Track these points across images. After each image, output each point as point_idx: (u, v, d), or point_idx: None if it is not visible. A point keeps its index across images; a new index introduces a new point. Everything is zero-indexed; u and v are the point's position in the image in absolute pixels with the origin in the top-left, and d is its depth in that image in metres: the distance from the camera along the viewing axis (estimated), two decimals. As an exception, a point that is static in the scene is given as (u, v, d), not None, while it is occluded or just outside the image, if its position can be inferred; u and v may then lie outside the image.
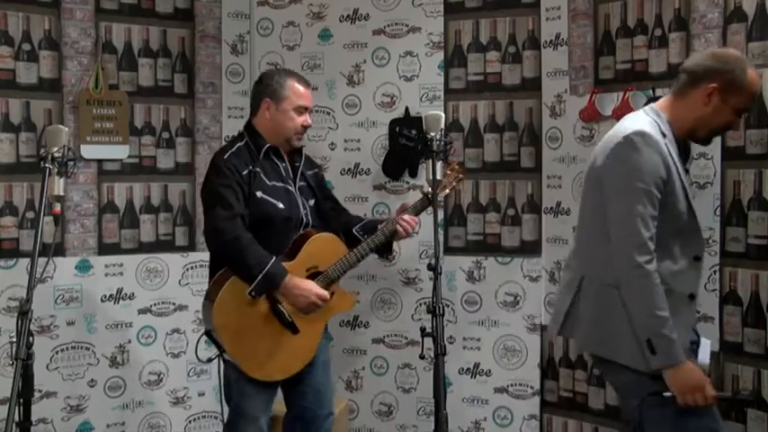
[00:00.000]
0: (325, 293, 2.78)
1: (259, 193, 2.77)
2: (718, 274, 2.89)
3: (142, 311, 3.60)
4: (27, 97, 3.35)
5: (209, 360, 2.83)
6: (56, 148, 2.43)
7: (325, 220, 2.97)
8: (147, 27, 3.59)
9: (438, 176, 2.43)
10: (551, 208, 3.43)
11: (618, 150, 2.24)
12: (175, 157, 3.67)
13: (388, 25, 3.65)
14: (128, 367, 3.57)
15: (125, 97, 3.53)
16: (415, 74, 3.62)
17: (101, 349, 3.51)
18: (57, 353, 3.42)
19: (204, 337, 2.81)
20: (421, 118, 2.65)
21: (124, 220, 3.57)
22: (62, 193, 2.45)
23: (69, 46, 3.42)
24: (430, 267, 2.28)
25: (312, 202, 2.93)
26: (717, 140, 2.86)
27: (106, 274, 3.52)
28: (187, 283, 3.69)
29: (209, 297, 2.77)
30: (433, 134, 2.45)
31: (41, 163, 2.42)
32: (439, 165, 2.43)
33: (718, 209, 2.87)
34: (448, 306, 3.50)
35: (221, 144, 3.74)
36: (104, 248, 3.52)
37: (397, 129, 3.55)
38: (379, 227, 2.95)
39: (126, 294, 3.56)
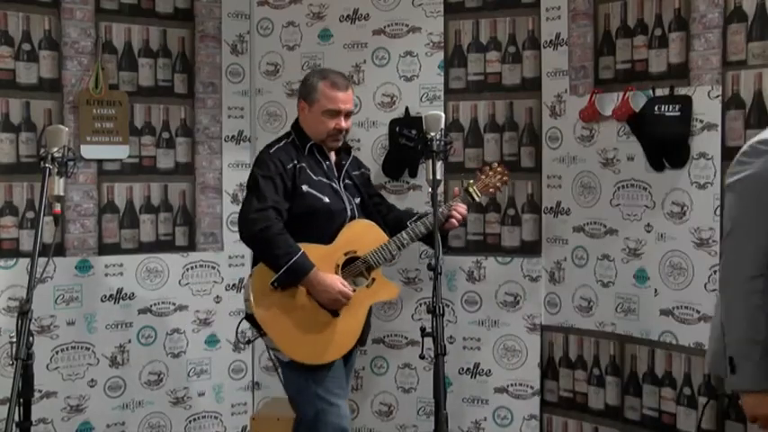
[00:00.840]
0: (348, 291, 2.79)
1: (305, 187, 2.83)
2: (717, 273, 2.88)
3: (142, 311, 3.60)
4: (27, 97, 3.36)
5: (249, 342, 2.92)
6: (56, 148, 2.43)
7: (374, 219, 3.01)
8: (147, 27, 3.59)
9: (438, 176, 2.43)
10: (551, 208, 3.44)
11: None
12: (175, 157, 3.68)
13: (388, 25, 3.65)
14: (128, 367, 3.57)
15: (125, 97, 3.53)
16: (415, 74, 3.62)
17: (101, 349, 3.52)
18: (57, 353, 3.43)
19: (243, 323, 2.90)
20: (421, 118, 2.65)
21: (124, 220, 3.58)
22: (62, 193, 2.45)
23: (69, 46, 3.43)
24: (430, 267, 2.29)
25: (358, 200, 2.97)
26: (716, 141, 2.88)
27: (106, 274, 3.52)
28: (187, 284, 3.70)
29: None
30: (432, 134, 2.45)
31: (41, 163, 2.42)
32: (439, 165, 2.44)
33: (718, 209, 2.88)
34: (448, 306, 3.50)
35: (221, 144, 3.77)
36: (104, 248, 3.53)
37: (397, 129, 3.55)
38: (425, 218, 2.95)
39: (126, 294, 3.56)
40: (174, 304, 3.67)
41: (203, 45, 3.72)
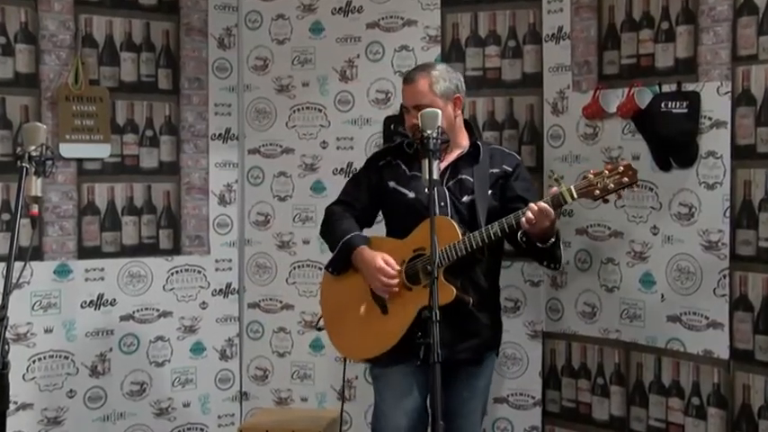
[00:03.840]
0: (389, 270, 2.71)
1: (392, 183, 2.87)
2: (727, 278, 2.89)
3: (124, 318, 3.59)
4: (3, 93, 3.34)
5: (320, 329, 2.97)
6: (33, 147, 2.41)
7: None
8: (129, 20, 3.58)
9: (435, 176, 2.42)
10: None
11: None
12: (159, 156, 3.67)
13: (383, 18, 3.65)
14: (109, 377, 3.56)
15: (106, 93, 3.52)
16: (410, 69, 3.61)
17: (80, 358, 3.50)
18: (33, 362, 3.41)
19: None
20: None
21: (105, 222, 3.56)
22: (40, 194, 2.43)
23: (47, 39, 3.41)
24: (426, 271, 2.28)
25: (467, 198, 2.79)
26: (726, 139, 2.88)
27: (86, 279, 3.51)
28: (172, 289, 3.69)
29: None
30: (429, 132, 2.44)
31: (18, 162, 2.40)
32: (435, 164, 2.43)
33: (728, 210, 2.87)
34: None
35: (207, 142, 3.77)
36: (84, 252, 3.52)
37: (392, 126, 3.55)
38: (511, 215, 2.64)
39: (107, 300, 3.55)
40: (157, 311, 3.66)
41: (189, 39, 3.71)
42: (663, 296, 3.08)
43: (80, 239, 3.51)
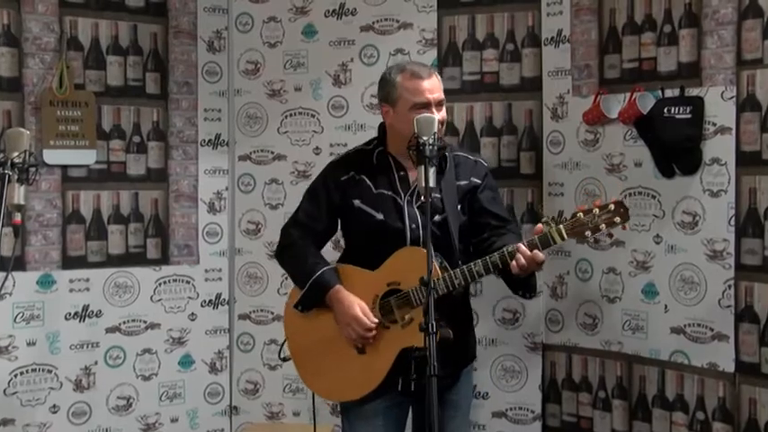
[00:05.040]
0: (366, 321, 2.60)
1: (356, 202, 2.70)
2: (732, 288, 2.89)
3: (110, 330, 3.58)
4: (-15, 98, 3.34)
5: (285, 359, 2.87)
6: (16, 153, 2.41)
7: (475, 242, 2.74)
8: (116, 22, 3.57)
9: (431, 184, 2.41)
10: (553, 218, 3.42)
11: None
12: (147, 163, 3.66)
13: (377, 21, 3.65)
14: (94, 391, 3.54)
15: (92, 98, 3.51)
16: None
17: (64, 372, 3.49)
18: (15, 376, 3.39)
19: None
20: (413, 121, 2.64)
21: (91, 230, 3.55)
22: (22, 202, 2.42)
23: (31, 42, 3.41)
24: (423, 282, 2.27)
25: (438, 218, 2.64)
26: (730, 145, 2.88)
27: (71, 290, 3.50)
28: (159, 300, 3.67)
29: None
30: (425, 138, 2.43)
31: (0, 169, 2.40)
32: (432, 171, 2.42)
33: (733, 218, 2.88)
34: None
35: (197, 149, 3.76)
36: (69, 262, 3.50)
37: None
38: (496, 254, 2.53)
39: (92, 312, 3.54)
40: (144, 322, 3.65)
41: (177, 42, 3.71)
42: (666, 307, 3.08)
43: (64, 249, 3.50)
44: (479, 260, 2.54)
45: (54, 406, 3.47)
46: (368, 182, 2.72)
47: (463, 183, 2.74)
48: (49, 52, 3.44)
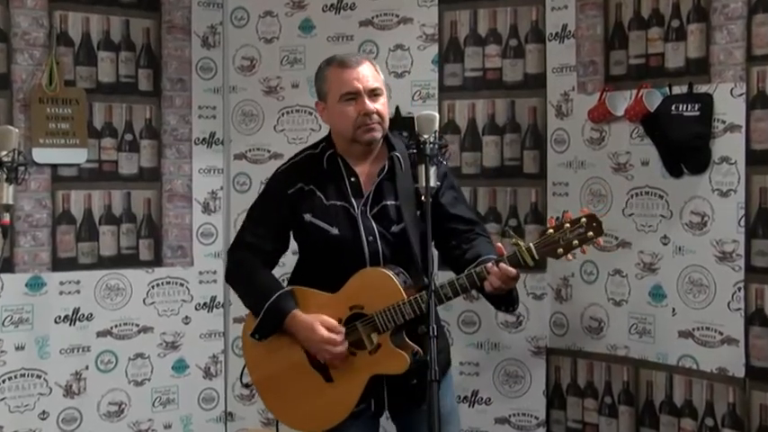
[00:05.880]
0: (336, 338, 2.47)
1: (308, 216, 2.53)
2: (743, 291, 2.88)
3: (101, 334, 3.57)
4: (-28, 95, 3.34)
5: (247, 386, 2.75)
6: (4, 152, 2.40)
7: (443, 253, 2.62)
8: (107, 16, 3.57)
9: (432, 183, 2.40)
10: (557, 218, 3.42)
11: None
12: (139, 162, 3.65)
13: (377, 16, 3.65)
14: (85, 397, 3.54)
15: (83, 95, 3.50)
16: (406, 69, 3.62)
17: (54, 377, 3.48)
18: (3, 381, 3.39)
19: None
20: (413, 118, 2.62)
21: (81, 231, 3.55)
22: (11, 202, 2.41)
23: (19, 37, 3.40)
24: (423, 284, 2.26)
25: (396, 228, 2.51)
26: (740, 143, 2.87)
27: (61, 293, 3.49)
28: (152, 303, 3.67)
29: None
30: (425, 136, 2.42)
31: (-13, 168, 2.40)
32: (432, 170, 2.41)
33: (743, 219, 2.87)
34: (443, 327, 3.47)
35: (191, 147, 3.75)
36: (59, 264, 3.50)
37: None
38: (473, 271, 2.39)
39: (83, 315, 3.53)
40: (137, 326, 3.64)
41: (171, 37, 3.70)
42: (674, 310, 3.08)
43: (54, 250, 3.49)
44: (447, 283, 2.42)
45: (43, 412, 3.46)
46: (318, 193, 2.54)
47: (417, 186, 2.48)
48: (38, 48, 3.43)
